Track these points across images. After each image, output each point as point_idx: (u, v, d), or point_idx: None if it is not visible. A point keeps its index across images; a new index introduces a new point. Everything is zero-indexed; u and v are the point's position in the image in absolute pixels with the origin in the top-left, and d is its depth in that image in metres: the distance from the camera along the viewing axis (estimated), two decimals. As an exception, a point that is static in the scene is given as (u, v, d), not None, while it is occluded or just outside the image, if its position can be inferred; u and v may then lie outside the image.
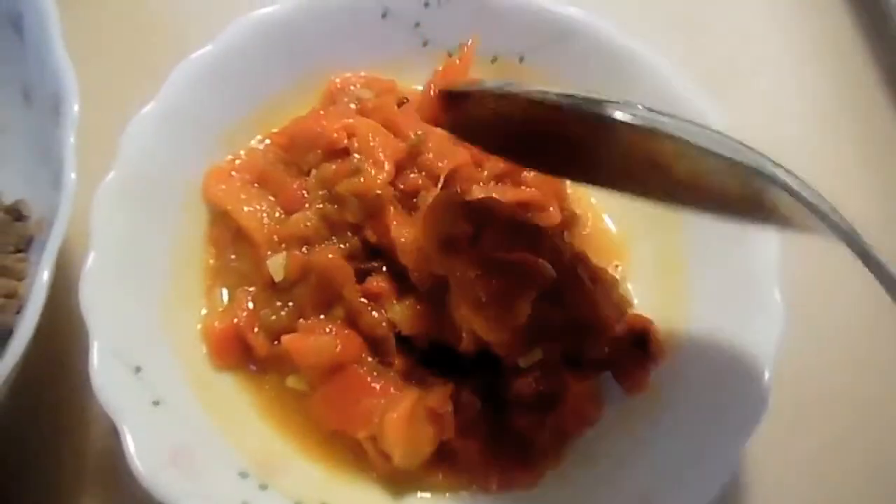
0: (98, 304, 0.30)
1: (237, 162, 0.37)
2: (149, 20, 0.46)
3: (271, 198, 0.36)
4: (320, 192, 0.34)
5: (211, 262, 0.36)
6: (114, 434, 0.29)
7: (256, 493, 0.30)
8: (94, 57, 0.38)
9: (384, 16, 0.41)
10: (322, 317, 0.33)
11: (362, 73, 0.40)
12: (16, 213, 0.36)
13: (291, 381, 0.33)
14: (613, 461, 0.33)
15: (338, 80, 0.40)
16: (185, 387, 0.32)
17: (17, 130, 0.38)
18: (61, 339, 0.34)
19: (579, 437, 0.34)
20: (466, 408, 0.32)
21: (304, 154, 0.36)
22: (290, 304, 0.33)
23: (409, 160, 0.35)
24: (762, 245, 0.35)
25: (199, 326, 0.34)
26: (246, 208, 0.35)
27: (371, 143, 0.34)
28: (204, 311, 0.35)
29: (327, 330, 0.32)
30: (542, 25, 0.41)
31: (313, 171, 0.35)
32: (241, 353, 0.33)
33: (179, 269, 0.35)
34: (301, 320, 0.33)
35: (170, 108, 0.35)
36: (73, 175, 0.30)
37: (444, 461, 0.32)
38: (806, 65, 0.49)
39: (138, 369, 0.30)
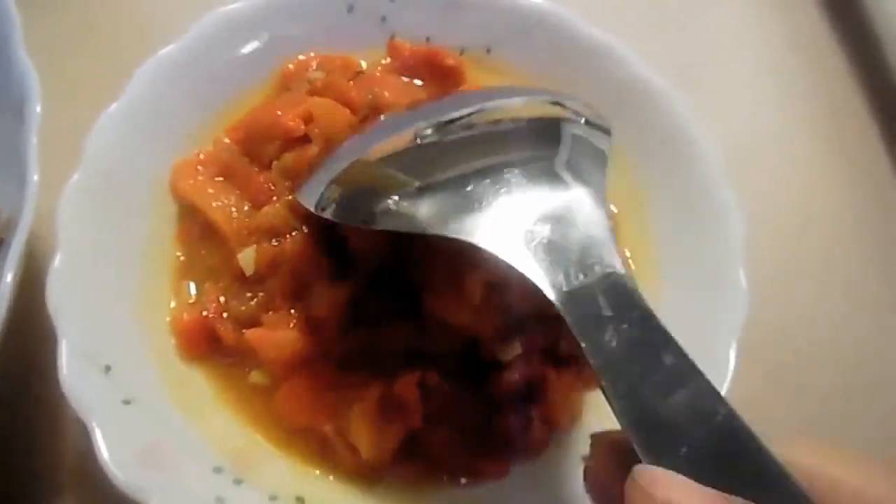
0: (66, 304, 0.30)
1: (202, 156, 0.37)
2: (113, 18, 0.45)
3: (238, 192, 0.36)
4: (286, 184, 0.34)
5: (181, 258, 0.36)
6: (86, 433, 0.28)
7: (231, 487, 0.30)
8: (58, 56, 0.38)
9: (350, 10, 0.41)
10: (292, 311, 0.33)
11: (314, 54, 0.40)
12: (-17, 216, 0.36)
13: (255, 377, 0.33)
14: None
15: (291, 65, 0.39)
16: (157, 384, 0.32)
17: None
18: (31, 340, 0.34)
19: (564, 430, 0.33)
20: (435, 394, 0.32)
21: (262, 146, 0.36)
22: (260, 294, 0.33)
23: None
24: (727, 228, 0.35)
25: (167, 319, 0.34)
26: (214, 203, 0.35)
27: (329, 124, 0.34)
28: (172, 304, 0.34)
29: (290, 325, 0.32)
30: (508, 17, 0.41)
31: (275, 163, 0.35)
32: (209, 343, 0.33)
33: (149, 266, 0.34)
34: (268, 313, 0.33)
35: (135, 106, 0.35)
36: (35, 176, 0.30)
37: (414, 453, 0.32)
38: (780, 59, 0.50)
39: (108, 368, 0.30)
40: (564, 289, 0.24)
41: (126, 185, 0.34)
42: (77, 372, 0.29)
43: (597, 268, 0.25)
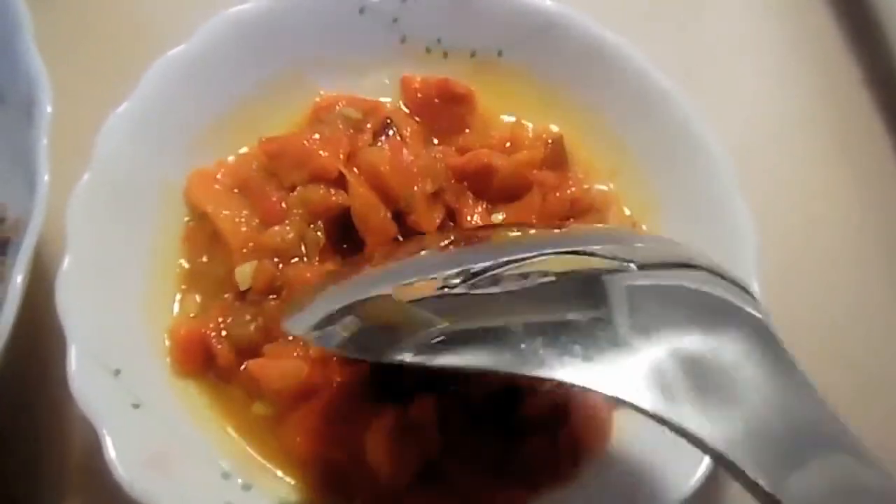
0: (75, 306, 0.30)
1: (221, 168, 0.37)
2: (123, 19, 0.45)
3: (250, 206, 0.35)
4: (300, 211, 0.34)
5: (185, 265, 0.35)
6: (94, 436, 0.28)
7: (240, 493, 0.30)
8: (68, 56, 0.37)
9: (362, 11, 0.41)
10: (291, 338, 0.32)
11: (345, 94, 0.40)
12: (-9, 216, 0.36)
13: (258, 409, 0.32)
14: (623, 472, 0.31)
15: (321, 100, 0.40)
16: (165, 389, 0.31)
17: (-9, 132, 0.38)
18: (39, 341, 0.34)
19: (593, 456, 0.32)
20: (453, 417, 0.31)
21: (290, 170, 0.35)
22: (260, 319, 0.33)
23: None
24: (741, 237, 0.35)
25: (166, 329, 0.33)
26: (225, 212, 0.35)
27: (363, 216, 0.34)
28: (174, 315, 0.34)
29: (294, 354, 0.32)
30: (520, 20, 0.41)
31: (298, 189, 0.35)
32: (203, 361, 0.33)
33: (157, 269, 0.34)
34: (267, 345, 0.32)
35: (145, 108, 0.35)
36: (46, 177, 0.30)
37: (431, 481, 0.31)
38: (786, 60, 0.50)
39: (117, 372, 0.30)
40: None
41: (135, 187, 0.34)
42: (86, 375, 0.29)
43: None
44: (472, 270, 0.24)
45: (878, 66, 0.49)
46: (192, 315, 0.34)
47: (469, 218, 0.36)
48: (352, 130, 0.37)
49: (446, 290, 0.24)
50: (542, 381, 0.30)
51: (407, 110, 0.40)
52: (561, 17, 0.40)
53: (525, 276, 0.24)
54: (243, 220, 0.35)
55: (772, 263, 0.35)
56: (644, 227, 0.39)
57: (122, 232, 0.33)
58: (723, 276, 0.25)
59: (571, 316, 0.22)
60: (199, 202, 0.36)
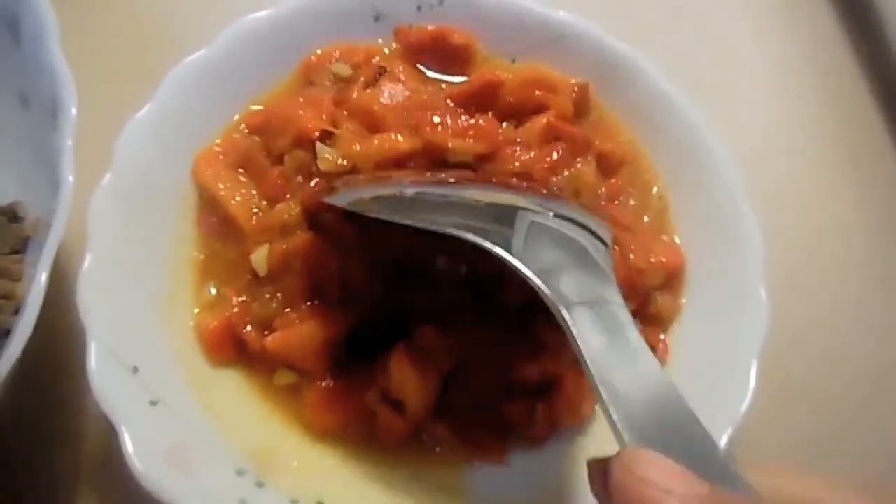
0: (95, 305, 0.30)
1: (220, 145, 0.37)
2: (144, 23, 0.46)
3: (255, 185, 0.36)
4: (298, 180, 0.34)
5: (200, 256, 0.36)
6: (111, 433, 0.29)
7: (254, 490, 0.31)
8: (90, 59, 0.38)
9: (377, 19, 0.41)
10: (309, 304, 0.33)
11: (337, 47, 0.40)
12: (12, 214, 0.36)
13: (280, 378, 0.33)
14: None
15: (314, 56, 0.39)
16: (183, 386, 0.32)
17: (12, 132, 0.38)
18: (58, 338, 0.34)
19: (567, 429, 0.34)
20: (456, 343, 0.32)
21: (275, 139, 0.36)
22: (279, 295, 0.33)
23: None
24: (748, 245, 0.36)
25: (191, 324, 0.34)
26: (235, 198, 0.35)
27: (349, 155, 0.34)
28: (196, 310, 0.35)
29: (306, 315, 0.32)
30: (533, 29, 0.41)
31: (287, 157, 0.35)
32: (236, 348, 0.34)
33: (175, 269, 0.35)
34: (277, 320, 0.33)
35: (165, 112, 0.35)
36: (70, 178, 0.31)
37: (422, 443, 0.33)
38: (793, 67, 0.50)
39: (136, 369, 0.31)
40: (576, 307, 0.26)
41: (154, 189, 0.35)
42: (106, 372, 0.29)
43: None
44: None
45: (884, 75, 0.49)
46: (211, 306, 0.34)
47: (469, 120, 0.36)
48: (340, 84, 0.38)
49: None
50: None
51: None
52: (573, 27, 0.41)
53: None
54: (253, 203, 0.35)
55: (777, 269, 0.36)
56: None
57: (142, 232, 0.34)
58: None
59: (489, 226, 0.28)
60: (207, 185, 0.36)
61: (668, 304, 0.37)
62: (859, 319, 0.42)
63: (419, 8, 0.41)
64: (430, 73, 0.41)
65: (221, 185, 0.35)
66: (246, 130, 0.37)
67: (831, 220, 0.45)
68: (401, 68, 0.38)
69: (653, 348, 0.32)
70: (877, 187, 0.46)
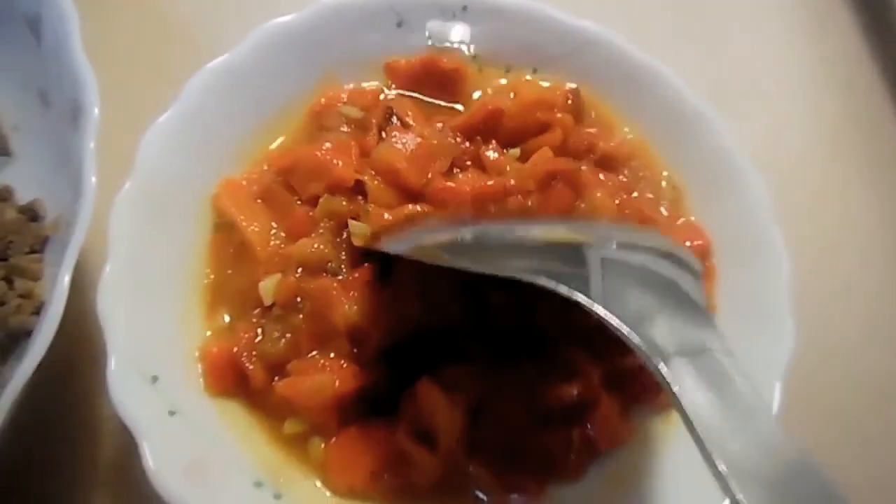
0: (115, 312, 0.30)
1: (246, 177, 0.37)
2: (167, 28, 0.45)
3: (276, 219, 0.35)
4: (329, 223, 0.34)
5: (211, 276, 0.35)
6: (127, 435, 0.28)
7: (271, 502, 0.30)
8: (111, 60, 0.37)
9: (399, 25, 0.41)
10: (314, 353, 0.32)
11: (346, 87, 0.40)
12: (31, 214, 0.36)
13: (289, 427, 0.32)
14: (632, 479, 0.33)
15: (322, 101, 0.39)
16: (201, 396, 0.31)
17: (31, 130, 0.38)
18: (74, 341, 0.34)
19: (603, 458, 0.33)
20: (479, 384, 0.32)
21: (306, 182, 0.35)
22: (288, 335, 0.32)
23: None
24: (774, 263, 0.35)
25: (197, 347, 0.33)
26: (254, 226, 0.35)
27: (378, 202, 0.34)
28: (208, 333, 0.34)
29: (321, 365, 0.31)
30: (556, 37, 0.41)
31: (321, 200, 0.34)
32: (236, 381, 0.32)
33: (195, 278, 0.34)
34: (293, 362, 0.32)
35: (186, 118, 0.35)
36: (93, 180, 0.30)
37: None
38: (814, 78, 0.50)
39: (155, 379, 0.30)
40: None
41: (174, 196, 0.34)
42: (125, 381, 0.29)
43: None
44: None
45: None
46: (220, 333, 0.34)
47: (489, 154, 0.36)
48: (354, 127, 0.37)
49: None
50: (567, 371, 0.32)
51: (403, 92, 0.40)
52: (596, 37, 0.41)
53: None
54: (272, 233, 0.35)
55: (802, 286, 0.35)
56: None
57: (162, 240, 0.33)
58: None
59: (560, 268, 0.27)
60: (227, 211, 0.35)
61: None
62: (885, 335, 0.42)
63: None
64: (428, 100, 0.41)
65: (242, 213, 0.35)
66: (271, 169, 0.37)
67: (855, 234, 0.45)
68: (409, 113, 0.38)
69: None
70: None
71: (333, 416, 0.31)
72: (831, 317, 0.42)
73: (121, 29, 0.45)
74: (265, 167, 0.37)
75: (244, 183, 0.37)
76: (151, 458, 0.28)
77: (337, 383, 0.31)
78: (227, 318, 0.34)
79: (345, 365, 0.32)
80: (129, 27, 0.45)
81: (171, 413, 0.30)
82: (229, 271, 0.35)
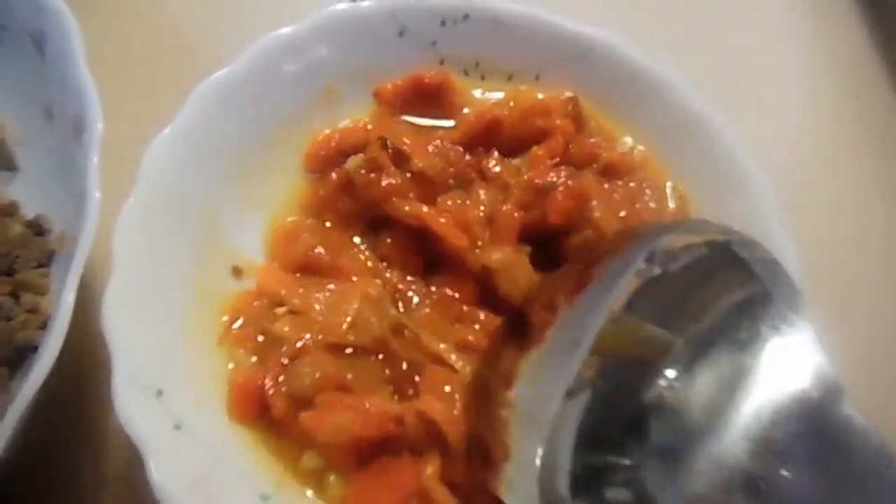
0: (120, 325, 0.30)
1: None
2: (169, 40, 0.46)
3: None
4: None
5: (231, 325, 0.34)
6: (133, 450, 0.28)
7: (278, 516, 0.30)
8: (114, 74, 0.37)
9: (401, 34, 0.41)
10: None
11: (333, 133, 0.39)
12: (37, 228, 0.36)
13: (307, 461, 0.31)
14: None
15: (314, 147, 0.38)
16: (207, 410, 0.31)
17: (36, 145, 0.39)
18: (80, 355, 0.34)
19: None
20: None
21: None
22: (318, 373, 0.32)
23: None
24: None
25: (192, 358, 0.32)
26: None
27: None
28: (231, 366, 0.33)
29: (348, 404, 0.31)
30: (557, 44, 0.41)
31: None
32: (259, 410, 0.32)
33: (200, 292, 0.34)
34: (320, 396, 0.31)
35: (189, 130, 0.35)
36: (97, 194, 0.30)
37: None
38: (817, 76, 0.50)
39: (160, 392, 0.30)
40: None
41: (179, 208, 0.34)
42: (130, 395, 0.29)
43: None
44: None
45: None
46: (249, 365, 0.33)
47: (492, 166, 0.36)
48: (364, 172, 0.36)
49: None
50: None
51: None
52: (599, 42, 0.41)
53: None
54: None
55: (805, 281, 0.35)
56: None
57: (166, 253, 0.33)
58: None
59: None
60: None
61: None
62: (893, 330, 0.41)
63: (443, 23, 0.41)
64: (417, 121, 0.40)
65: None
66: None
67: (861, 230, 0.44)
68: (405, 140, 0.37)
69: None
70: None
71: (352, 457, 0.31)
72: (836, 315, 0.41)
73: (124, 42, 0.45)
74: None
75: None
76: (157, 472, 0.28)
77: (359, 426, 0.30)
78: (254, 359, 0.33)
79: (371, 409, 0.30)
80: (131, 40, 0.45)
81: (177, 427, 0.30)
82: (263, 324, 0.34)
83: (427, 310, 0.34)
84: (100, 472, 0.34)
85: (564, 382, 0.23)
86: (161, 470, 0.28)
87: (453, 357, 0.32)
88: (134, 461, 0.28)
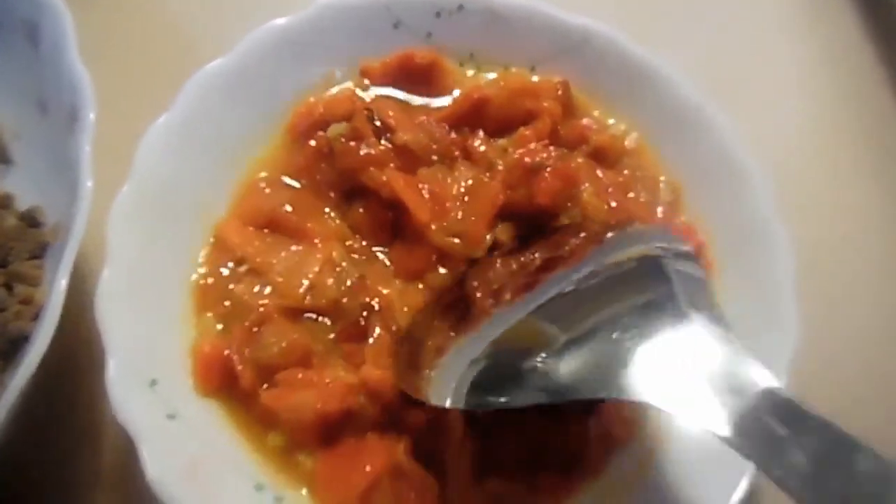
0: (114, 316, 0.30)
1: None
2: (163, 31, 0.46)
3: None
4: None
5: (209, 282, 0.34)
6: (127, 439, 0.28)
7: (273, 505, 0.30)
8: (108, 66, 0.37)
9: (396, 26, 0.41)
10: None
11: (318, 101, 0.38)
12: (31, 220, 0.36)
13: (272, 440, 0.31)
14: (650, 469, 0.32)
15: (299, 113, 0.38)
16: (200, 400, 0.31)
17: (30, 138, 0.38)
18: (74, 345, 0.34)
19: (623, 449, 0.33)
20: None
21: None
22: (284, 342, 0.31)
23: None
24: (777, 259, 0.35)
25: (188, 346, 0.32)
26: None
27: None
28: (194, 334, 0.33)
29: (309, 380, 0.31)
30: (553, 35, 0.41)
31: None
32: (225, 381, 0.32)
33: (193, 283, 0.34)
34: (281, 373, 0.31)
35: (183, 120, 0.35)
36: (89, 184, 0.30)
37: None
38: (814, 71, 0.49)
39: (153, 382, 0.30)
40: (730, 423, 0.23)
41: (172, 199, 0.34)
42: (124, 385, 0.29)
43: (751, 389, 0.24)
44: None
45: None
46: (210, 332, 0.33)
47: (477, 145, 0.36)
48: (344, 140, 0.36)
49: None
50: None
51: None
52: (595, 34, 0.40)
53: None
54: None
55: (805, 280, 0.35)
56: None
57: (160, 244, 0.33)
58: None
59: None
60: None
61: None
62: (890, 329, 0.41)
63: (438, 14, 0.41)
64: (404, 97, 0.40)
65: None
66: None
67: (859, 228, 0.44)
68: (390, 113, 0.37)
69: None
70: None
71: (314, 435, 0.30)
72: (834, 313, 0.41)
73: (117, 33, 0.45)
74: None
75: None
76: (151, 462, 0.28)
77: (320, 404, 0.30)
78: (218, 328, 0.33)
79: (331, 384, 0.31)
80: (125, 31, 0.45)
81: (171, 417, 0.30)
82: (230, 287, 0.34)
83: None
84: (94, 462, 0.34)
85: (472, 355, 0.29)
86: (154, 459, 0.28)
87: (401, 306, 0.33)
88: (128, 451, 0.28)
